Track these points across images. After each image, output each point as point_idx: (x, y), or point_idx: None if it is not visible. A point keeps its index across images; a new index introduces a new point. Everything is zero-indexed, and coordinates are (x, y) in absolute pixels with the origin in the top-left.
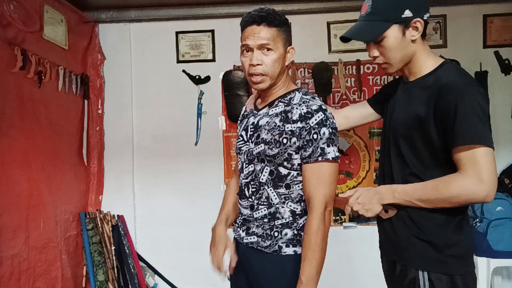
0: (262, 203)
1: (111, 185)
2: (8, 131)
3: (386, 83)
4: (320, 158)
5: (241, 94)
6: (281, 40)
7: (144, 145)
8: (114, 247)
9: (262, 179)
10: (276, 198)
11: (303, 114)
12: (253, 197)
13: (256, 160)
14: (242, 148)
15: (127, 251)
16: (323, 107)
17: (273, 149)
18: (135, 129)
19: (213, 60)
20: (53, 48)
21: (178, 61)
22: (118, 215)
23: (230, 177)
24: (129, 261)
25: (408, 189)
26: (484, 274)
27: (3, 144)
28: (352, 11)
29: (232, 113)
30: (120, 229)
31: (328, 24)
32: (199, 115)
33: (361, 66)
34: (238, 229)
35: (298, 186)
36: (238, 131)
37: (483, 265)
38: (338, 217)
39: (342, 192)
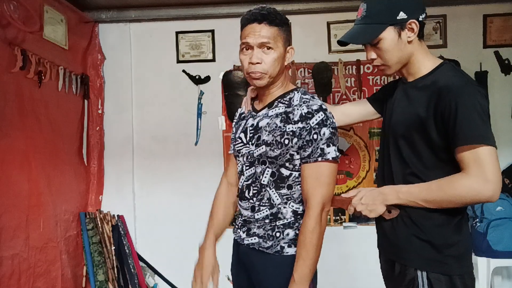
0: (263, 204)
1: (111, 185)
2: (8, 131)
3: (386, 83)
4: (319, 159)
5: (241, 94)
6: (281, 39)
7: (144, 145)
8: (114, 247)
9: (264, 181)
10: (278, 199)
11: (304, 114)
12: (254, 199)
13: (257, 162)
14: (241, 151)
15: (127, 251)
16: (323, 106)
17: (275, 150)
18: (135, 129)
19: (213, 60)
20: (53, 48)
21: (178, 61)
22: (118, 215)
23: None
24: (129, 261)
25: (412, 190)
26: (484, 274)
27: (3, 144)
28: (352, 11)
29: (232, 113)
30: (120, 229)
31: (328, 24)
32: (199, 115)
33: (361, 66)
34: (238, 230)
35: (300, 187)
36: (233, 132)
37: (483, 265)
38: (338, 217)
39: (343, 192)
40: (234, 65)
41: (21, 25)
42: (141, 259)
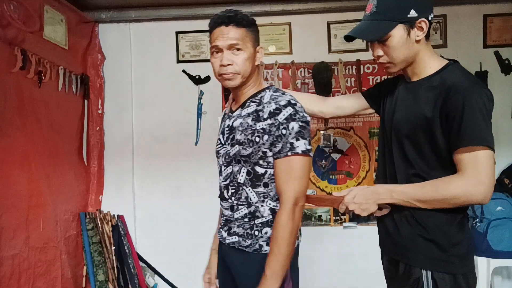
0: (241, 203)
1: (111, 185)
2: (8, 131)
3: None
4: (289, 153)
5: None
6: (250, 40)
7: (144, 145)
8: (114, 247)
9: (240, 180)
10: (255, 197)
11: (272, 110)
12: (232, 198)
13: (233, 161)
14: (220, 151)
15: (127, 251)
16: (292, 101)
17: (247, 148)
18: (135, 129)
19: None
20: (53, 48)
21: (178, 61)
22: (118, 215)
23: None
24: (129, 261)
25: (406, 190)
26: (484, 274)
27: (3, 144)
28: (352, 11)
29: None
30: (120, 229)
31: (328, 24)
32: (199, 115)
33: (361, 66)
34: (221, 230)
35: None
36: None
37: (483, 265)
38: (338, 217)
39: (330, 192)
40: None
41: (21, 25)
42: (141, 259)
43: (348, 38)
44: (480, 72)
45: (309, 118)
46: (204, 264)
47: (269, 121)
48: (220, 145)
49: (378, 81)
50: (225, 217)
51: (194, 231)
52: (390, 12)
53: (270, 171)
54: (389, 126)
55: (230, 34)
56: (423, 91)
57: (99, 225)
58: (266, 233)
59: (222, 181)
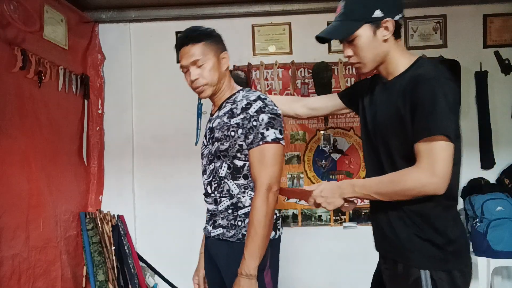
0: (224, 195)
1: (111, 185)
2: (8, 131)
3: None
4: (260, 142)
5: None
6: (210, 51)
7: (144, 145)
8: (114, 247)
9: (222, 174)
10: (236, 189)
11: (243, 106)
12: (215, 192)
13: (215, 158)
14: (203, 152)
15: (127, 251)
16: (262, 96)
17: (224, 143)
18: (135, 129)
19: None
20: (53, 48)
21: (178, 61)
22: (118, 215)
23: None
24: (129, 261)
25: (366, 183)
26: (484, 274)
27: (3, 144)
28: None
29: None
30: (120, 229)
31: (328, 24)
32: (199, 115)
33: None
34: (206, 224)
35: None
36: None
37: (483, 265)
38: (338, 217)
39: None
40: (234, 65)
41: (21, 25)
42: (141, 259)
43: (320, 39)
44: (480, 72)
45: (279, 111)
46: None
47: (241, 116)
48: (204, 146)
49: None
50: (209, 212)
51: (194, 231)
52: (356, 13)
53: (248, 163)
54: (373, 128)
55: (190, 52)
56: (396, 88)
57: (99, 225)
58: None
59: (206, 179)
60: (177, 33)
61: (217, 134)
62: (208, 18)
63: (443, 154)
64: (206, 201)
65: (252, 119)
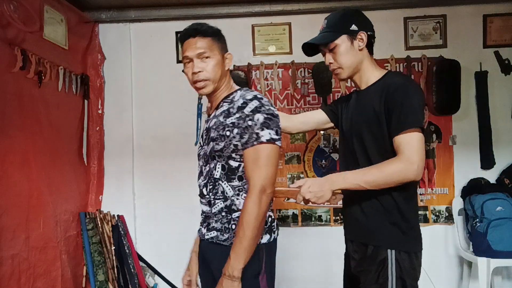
0: (218, 197)
1: (111, 185)
2: (8, 131)
3: None
4: (255, 143)
5: None
6: (216, 47)
7: (144, 145)
8: (114, 247)
9: (216, 175)
10: (230, 191)
11: (240, 105)
12: (210, 194)
13: (210, 159)
14: (200, 153)
15: (127, 251)
16: (259, 96)
17: (219, 143)
18: (135, 129)
19: None
20: (53, 48)
21: (178, 61)
22: (118, 215)
23: None
24: (129, 261)
25: (356, 174)
26: (484, 274)
27: (3, 144)
28: None
29: None
30: (120, 229)
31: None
32: (199, 115)
33: None
34: (200, 227)
35: None
36: None
37: (483, 265)
38: (338, 217)
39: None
40: (234, 65)
41: (21, 25)
42: (141, 259)
43: (307, 52)
44: (480, 72)
45: (276, 112)
46: None
47: (237, 115)
48: (200, 147)
49: None
50: (204, 214)
51: (194, 231)
52: (336, 26)
53: (243, 164)
54: (348, 129)
55: (197, 44)
56: (371, 93)
57: (99, 225)
58: None
59: (202, 180)
60: (177, 33)
61: (213, 134)
62: (208, 18)
63: (418, 144)
64: (201, 202)
65: (247, 119)
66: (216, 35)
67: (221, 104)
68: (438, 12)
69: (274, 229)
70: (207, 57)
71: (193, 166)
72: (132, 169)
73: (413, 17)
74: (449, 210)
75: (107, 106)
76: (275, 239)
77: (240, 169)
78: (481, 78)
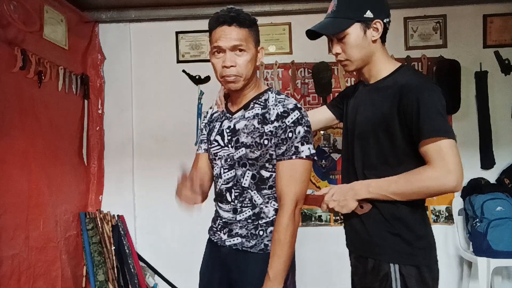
0: (245, 205)
1: (111, 185)
2: (8, 131)
3: None
4: (293, 156)
5: None
6: (252, 40)
7: (144, 145)
8: (114, 247)
9: (245, 184)
10: (259, 199)
11: (279, 113)
12: (236, 201)
13: (237, 165)
14: (219, 153)
15: (127, 251)
16: (298, 105)
17: (255, 151)
18: (135, 129)
19: None
20: (53, 48)
21: (178, 61)
22: (118, 215)
23: None
24: (129, 261)
25: (382, 184)
26: (484, 274)
27: (3, 144)
28: None
29: None
30: (120, 229)
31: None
32: (199, 115)
33: None
34: (218, 232)
35: None
36: (202, 133)
37: (483, 265)
38: (338, 217)
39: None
40: None
41: (21, 25)
42: (141, 259)
43: (311, 36)
44: (480, 72)
45: (311, 123)
46: None
47: (276, 124)
48: (219, 147)
49: None
50: (223, 220)
51: (194, 231)
52: (348, 11)
53: (275, 174)
54: (352, 127)
55: (233, 34)
56: (380, 92)
57: (99, 225)
58: (271, 232)
59: (223, 184)
60: (177, 33)
61: (245, 139)
62: (208, 18)
63: (452, 151)
64: (220, 207)
65: (288, 130)
66: (253, 26)
67: (251, 104)
68: (438, 12)
69: None
70: (241, 50)
71: None
72: (132, 169)
73: (413, 17)
74: (449, 210)
75: (107, 106)
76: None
77: (271, 179)
78: (481, 78)
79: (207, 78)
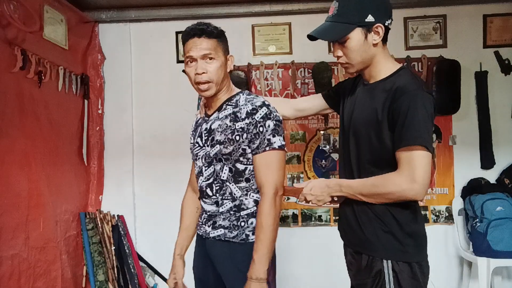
0: (226, 198)
1: (111, 185)
2: (8, 131)
3: None
4: (267, 148)
5: None
6: (221, 49)
7: (144, 145)
8: (114, 247)
9: (224, 177)
10: (238, 192)
11: (249, 111)
12: (217, 194)
13: (214, 161)
14: (199, 154)
15: (127, 251)
16: (266, 103)
17: (228, 147)
18: (135, 129)
19: None
20: (53, 48)
21: (178, 61)
22: (118, 215)
23: None
24: (129, 261)
25: (352, 184)
26: (484, 274)
27: (3, 144)
28: None
29: None
30: (120, 229)
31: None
32: None
33: None
34: (203, 226)
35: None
36: (191, 139)
37: (483, 265)
38: (338, 217)
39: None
40: (234, 65)
41: (21, 25)
42: (141, 259)
43: (311, 38)
44: (480, 72)
45: (281, 118)
46: None
47: (247, 121)
48: (199, 147)
49: None
50: (208, 213)
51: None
52: (349, 15)
53: (249, 167)
54: (348, 124)
55: (203, 45)
56: (377, 93)
57: (99, 225)
58: (252, 223)
59: (204, 181)
60: (177, 33)
61: (219, 137)
62: (208, 18)
63: (422, 162)
64: (204, 202)
65: (258, 125)
66: (221, 36)
67: (223, 106)
68: (438, 12)
69: None
70: (211, 58)
71: None
72: (132, 169)
73: (413, 17)
74: (449, 210)
75: (107, 106)
76: None
77: (247, 171)
78: (481, 78)
79: None
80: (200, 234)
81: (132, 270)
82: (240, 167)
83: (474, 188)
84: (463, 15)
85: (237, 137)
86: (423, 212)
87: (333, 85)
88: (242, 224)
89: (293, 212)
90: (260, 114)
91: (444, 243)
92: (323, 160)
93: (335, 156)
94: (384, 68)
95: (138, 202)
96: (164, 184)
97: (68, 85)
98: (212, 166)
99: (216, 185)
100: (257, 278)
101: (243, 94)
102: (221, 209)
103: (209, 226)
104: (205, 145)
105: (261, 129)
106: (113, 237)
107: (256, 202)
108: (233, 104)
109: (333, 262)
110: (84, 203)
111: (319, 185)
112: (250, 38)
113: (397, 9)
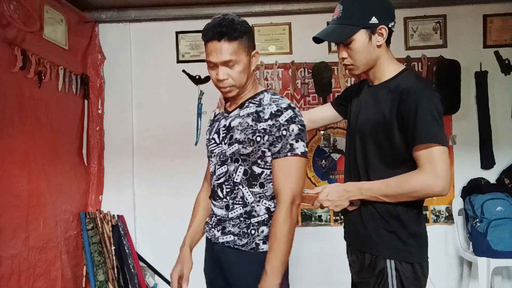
0: (237, 202)
1: (111, 185)
2: (8, 131)
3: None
4: (289, 153)
5: None
6: (243, 50)
7: (144, 145)
8: (114, 247)
9: (237, 179)
10: (251, 197)
11: (273, 112)
12: (228, 197)
13: (229, 160)
14: (214, 151)
15: (127, 251)
16: (292, 105)
17: (247, 147)
18: (135, 129)
19: None
20: (53, 48)
21: (178, 61)
22: (118, 215)
23: None
24: (129, 261)
25: (373, 186)
26: (484, 274)
27: (3, 144)
28: None
29: None
30: (120, 229)
31: (328, 24)
32: (199, 115)
33: None
34: (213, 229)
35: (272, 184)
36: (207, 134)
37: (483, 265)
38: (338, 217)
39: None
40: None
41: (21, 25)
42: (141, 259)
43: (316, 40)
44: (480, 72)
45: (305, 122)
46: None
47: (270, 122)
48: (215, 144)
49: None
50: (217, 217)
51: None
52: (353, 18)
53: (266, 171)
54: (354, 126)
55: (223, 49)
56: (382, 94)
57: (99, 225)
58: (262, 231)
59: (216, 180)
60: (177, 33)
61: (239, 136)
62: (208, 18)
63: (442, 157)
64: (214, 204)
65: (282, 128)
66: (244, 35)
67: (246, 104)
68: (438, 12)
69: None
70: (233, 64)
71: (193, 166)
72: (132, 169)
73: (413, 17)
74: (449, 210)
75: (107, 106)
76: None
77: (263, 176)
78: (481, 78)
79: (207, 78)
80: (209, 237)
81: (132, 270)
82: (257, 170)
83: (474, 188)
84: (463, 15)
85: (258, 138)
86: (423, 212)
87: (333, 85)
88: (253, 232)
89: None
90: (285, 117)
91: (444, 243)
92: (323, 160)
93: (335, 156)
94: (388, 69)
95: (138, 202)
96: (164, 184)
97: (68, 85)
98: (226, 165)
99: (227, 186)
100: None
101: (267, 93)
102: (230, 215)
103: (218, 231)
104: (222, 142)
105: (284, 132)
106: (113, 237)
107: (268, 210)
108: (257, 102)
109: (333, 262)
110: (84, 203)
111: (336, 190)
112: None
113: (397, 9)
